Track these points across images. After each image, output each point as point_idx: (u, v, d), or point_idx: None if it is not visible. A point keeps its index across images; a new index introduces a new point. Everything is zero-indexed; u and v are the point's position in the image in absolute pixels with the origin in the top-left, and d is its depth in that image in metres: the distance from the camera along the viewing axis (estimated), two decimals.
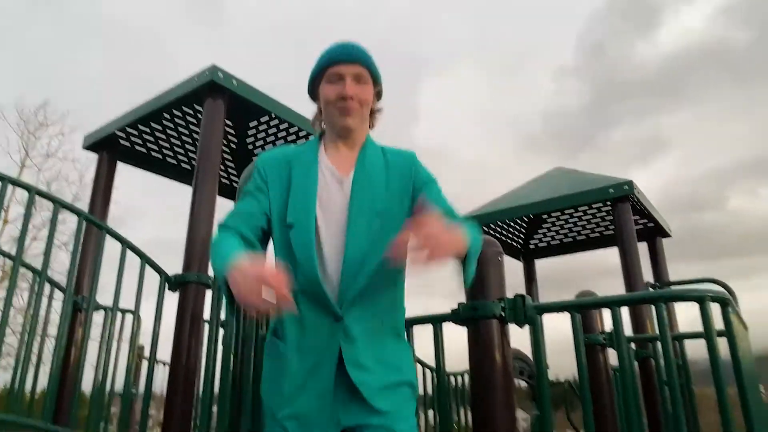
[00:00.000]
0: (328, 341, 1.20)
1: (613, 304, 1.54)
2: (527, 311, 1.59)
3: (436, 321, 1.71)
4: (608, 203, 4.10)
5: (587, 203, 4.24)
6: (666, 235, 4.64)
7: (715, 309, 1.50)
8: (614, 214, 3.74)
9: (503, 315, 1.58)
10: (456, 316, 1.63)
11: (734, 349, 1.43)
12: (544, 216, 4.89)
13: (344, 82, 1.30)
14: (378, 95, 1.41)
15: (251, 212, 1.29)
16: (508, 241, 5.12)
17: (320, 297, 1.21)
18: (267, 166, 1.35)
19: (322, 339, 1.20)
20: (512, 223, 4.98)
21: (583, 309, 1.85)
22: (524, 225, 5.14)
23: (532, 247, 5.29)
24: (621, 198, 3.66)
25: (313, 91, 1.40)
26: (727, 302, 1.47)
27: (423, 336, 1.88)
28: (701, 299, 1.44)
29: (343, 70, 1.30)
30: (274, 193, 1.30)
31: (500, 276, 1.64)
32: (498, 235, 4.91)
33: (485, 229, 4.49)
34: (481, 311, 1.58)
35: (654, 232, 4.56)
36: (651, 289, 3.86)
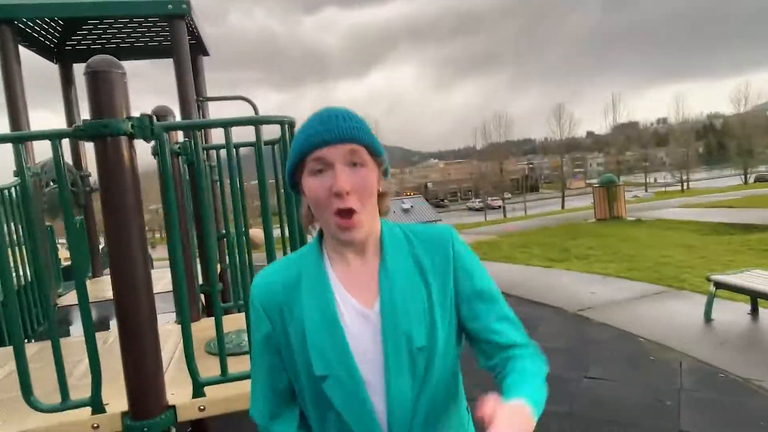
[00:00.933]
0: None
1: (227, 125, 1.94)
2: (154, 129, 1.79)
3: (55, 137, 1.67)
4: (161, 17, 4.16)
5: (142, 15, 4.16)
6: (207, 53, 5.12)
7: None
8: (171, 31, 3.88)
9: (132, 132, 1.74)
10: (82, 132, 1.66)
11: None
12: (88, 18, 4.46)
13: (333, 170, 0.93)
14: (385, 173, 1.03)
15: (282, 387, 1.05)
16: (41, 39, 4.44)
17: None
18: (266, 302, 1.02)
19: None
20: (49, 21, 4.31)
21: (198, 129, 2.17)
22: (60, 25, 4.53)
23: (69, 48, 4.77)
24: (178, 15, 3.81)
25: (294, 184, 1.02)
26: (293, 124, 2.13)
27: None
28: (282, 123, 2.05)
29: (329, 153, 0.93)
30: (285, 338, 1.01)
31: (126, 96, 1.73)
32: (30, 32, 4.20)
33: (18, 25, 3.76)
34: (112, 128, 1.67)
35: (197, 50, 4.95)
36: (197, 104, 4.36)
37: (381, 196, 1.02)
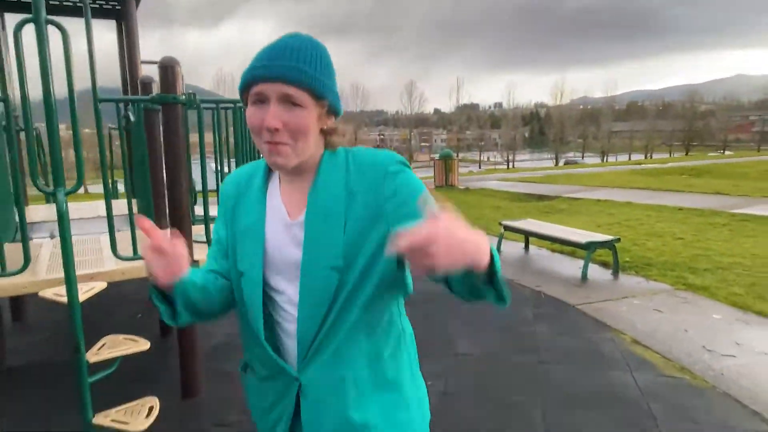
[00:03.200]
0: (284, 399, 1.09)
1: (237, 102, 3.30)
2: (197, 101, 3.09)
3: (141, 101, 2.90)
4: None
5: None
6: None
7: None
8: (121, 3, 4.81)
9: (184, 102, 3.02)
10: (157, 100, 2.91)
11: None
12: None
13: (267, 106, 0.96)
14: (331, 110, 1.03)
15: (215, 257, 1.17)
16: None
17: (270, 357, 1.08)
18: (225, 193, 1.17)
19: (278, 394, 1.10)
20: None
21: (221, 103, 3.46)
22: None
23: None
24: None
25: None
26: None
27: None
28: None
29: (266, 89, 0.96)
30: (228, 230, 1.14)
31: (181, 80, 3.00)
32: None
33: None
34: (177, 99, 2.94)
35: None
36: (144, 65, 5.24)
37: (329, 133, 1.04)
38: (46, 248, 3.54)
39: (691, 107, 76.45)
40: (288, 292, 1.07)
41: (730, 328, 4.35)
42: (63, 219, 2.33)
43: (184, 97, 3.02)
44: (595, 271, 6.10)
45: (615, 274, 5.97)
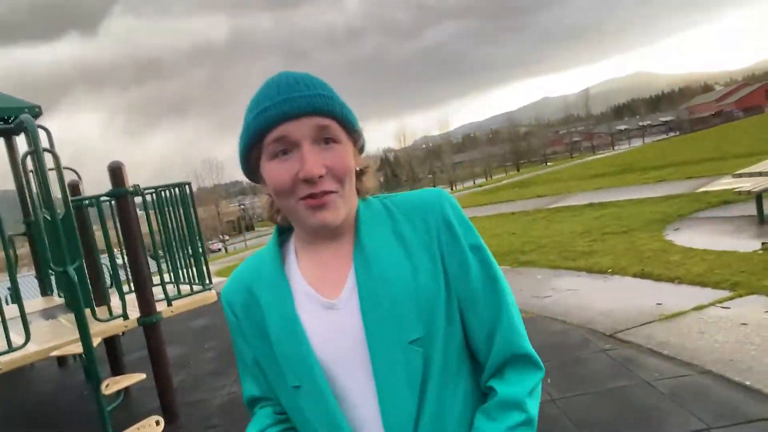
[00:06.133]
0: None
1: (165, 187, 4.31)
2: (141, 190, 4.06)
3: (98, 198, 3.82)
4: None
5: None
6: None
7: None
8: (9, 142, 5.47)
9: (133, 193, 3.97)
10: (113, 193, 3.85)
11: None
12: None
13: (299, 151, 0.76)
14: (361, 148, 0.86)
15: (262, 378, 0.91)
16: None
17: None
18: (234, 304, 0.91)
19: None
20: None
21: (164, 189, 4.40)
22: None
23: None
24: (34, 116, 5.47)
25: (251, 171, 0.86)
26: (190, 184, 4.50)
27: None
28: (183, 185, 4.41)
29: (292, 130, 0.75)
30: (256, 343, 0.88)
31: (126, 178, 3.98)
32: None
33: None
34: (128, 192, 3.90)
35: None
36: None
37: (359, 174, 0.85)
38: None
39: (513, 131, 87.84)
40: (355, 390, 0.82)
41: (548, 280, 6.19)
42: (75, 288, 3.21)
43: (133, 188, 4.01)
44: None
45: None
